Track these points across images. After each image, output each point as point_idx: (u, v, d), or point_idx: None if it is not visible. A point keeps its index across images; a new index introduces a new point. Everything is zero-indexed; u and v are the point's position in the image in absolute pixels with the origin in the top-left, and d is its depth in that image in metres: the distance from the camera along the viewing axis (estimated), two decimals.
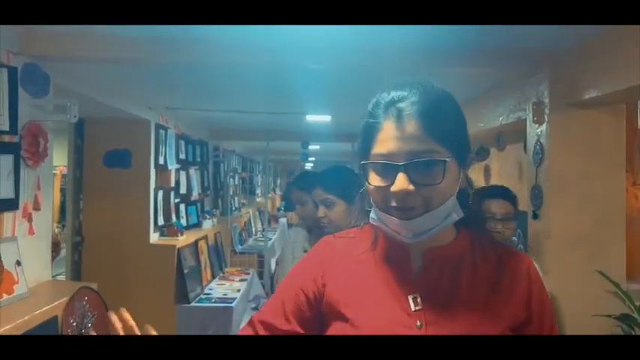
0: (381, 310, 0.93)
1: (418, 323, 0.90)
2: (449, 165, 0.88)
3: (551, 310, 0.97)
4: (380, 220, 0.95)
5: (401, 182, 0.86)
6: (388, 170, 0.89)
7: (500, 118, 3.52)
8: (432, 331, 0.89)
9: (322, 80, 3.51)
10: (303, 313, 1.00)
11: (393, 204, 0.89)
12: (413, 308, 0.91)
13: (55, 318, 2.32)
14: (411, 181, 0.87)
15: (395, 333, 0.89)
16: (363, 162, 0.93)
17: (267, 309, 1.04)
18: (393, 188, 0.87)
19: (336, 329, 0.96)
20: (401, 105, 0.89)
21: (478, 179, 4.75)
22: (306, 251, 2.39)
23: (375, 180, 0.91)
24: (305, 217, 2.61)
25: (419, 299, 0.92)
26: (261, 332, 1.01)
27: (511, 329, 0.91)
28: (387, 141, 0.89)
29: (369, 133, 0.93)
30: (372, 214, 0.97)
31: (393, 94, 0.92)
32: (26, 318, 2.10)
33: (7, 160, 2.35)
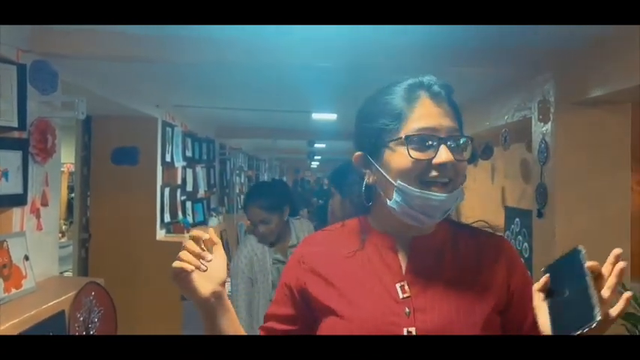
0: (369, 300, 0.95)
1: (407, 310, 0.92)
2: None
3: (532, 289, 0.92)
4: (404, 201, 0.93)
5: (446, 154, 0.91)
6: (429, 144, 0.92)
7: (506, 117, 3.52)
8: (420, 317, 0.91)
9: (328, 78, 3.52)
10: (295, 304, 1.04)
11: (434, 173, 0.92)
12: (401, 296, 0.94)
13: (63, 312, 2.34)
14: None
15: (384, 322, 0.92)
16: (407, 135, 0.92)
17: (272, 303, 1.11)
18: (437, 160, 0.91)
19: (327, 324, 0.98)
20: (436, 87, 0.96)
21: (485, 178, 4.74)
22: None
23: (414, 154, 0.92)
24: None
25: (406, 287, 0.95)
26: (273, 324, 1.08)
27: (498, 312, 0.96)
28: (427, 117, 0.93)
29: (398, 112, 0.95)
30: (395, 197, 0.94)
31: (423, 78, 0.97)
32: (33, 312, 2.12)
33: (16, 156, 2.37)
